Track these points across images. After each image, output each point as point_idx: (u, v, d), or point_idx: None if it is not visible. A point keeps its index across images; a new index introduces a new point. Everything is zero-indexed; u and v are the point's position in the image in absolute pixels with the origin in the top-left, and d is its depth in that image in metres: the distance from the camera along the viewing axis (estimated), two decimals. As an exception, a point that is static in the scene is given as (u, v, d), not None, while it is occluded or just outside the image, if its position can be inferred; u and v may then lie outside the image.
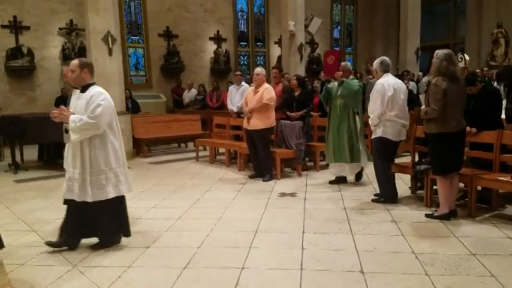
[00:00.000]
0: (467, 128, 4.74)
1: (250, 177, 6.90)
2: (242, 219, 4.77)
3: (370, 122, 5.36)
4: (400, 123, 5.15)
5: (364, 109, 6.54)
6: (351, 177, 6.47)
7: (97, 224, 3.90)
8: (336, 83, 6.29)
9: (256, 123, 6.64)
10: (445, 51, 4.43)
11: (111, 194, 3.82)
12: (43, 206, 5.52)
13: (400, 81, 5.47)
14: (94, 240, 3.98)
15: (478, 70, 8.99)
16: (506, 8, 14.05)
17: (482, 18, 14.76)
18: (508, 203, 5.07)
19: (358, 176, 6.49)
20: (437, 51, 4.48)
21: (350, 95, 6.06)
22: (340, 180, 6.40)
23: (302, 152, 6.97)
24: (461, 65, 6.05)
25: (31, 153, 8.71)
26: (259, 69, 6.89)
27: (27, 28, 11.94)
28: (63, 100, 11.07)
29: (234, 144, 8.08)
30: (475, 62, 14.72)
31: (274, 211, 5.08)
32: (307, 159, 7.38)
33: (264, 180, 6.61)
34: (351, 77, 6.31)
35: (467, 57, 6.64)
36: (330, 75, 6.28)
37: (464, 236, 4.06)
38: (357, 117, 6.16)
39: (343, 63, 6.45)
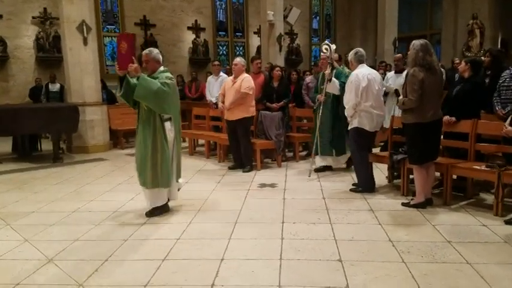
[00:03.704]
0: (447, 118, 4.82)
1: (230, 168, 6.88)
2: (222, 211, 4.77)
3: (346, 113, 5.40)
4: (375, 113, 5.20)
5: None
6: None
7: None
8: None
9: (237, 113, 6.59)
10: (421, 41, 4.45)
11: None
12: (17, 199, 5.40)
13: (375, 71, 5.51)
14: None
15: (457, 60, 8.99)
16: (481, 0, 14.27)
17: (458, 9, 14.95)
18: (482, 191, 5.19)
19: (159, 209, 4.60)
20: (413, 41, 4.50)
21: (148, 95, 4.27)
22: (156, 213, 4.57)
23: (282, 143, 6.97)
24: (327, 54, 5.98)
25: (5, 145, 8.49)
26: (238, 59, 6.84)
27: (0, 17, 11.59)
28: (37, 91, 10.91)
29: (213, 135, 8.04)
30: (450, 52, 14.93)
31: (254, 202, 5.08)
32: (286, 150, 7.43)
33: (244, 171, 6.61)
34: (161, 68, 4.57)
35: (333, 47, 6.17)
36: (123, 68, 4.38)
37: (440, 224, 4.14)
38: (168, 124, 4.47)
39: (145, 51, 4.57)
